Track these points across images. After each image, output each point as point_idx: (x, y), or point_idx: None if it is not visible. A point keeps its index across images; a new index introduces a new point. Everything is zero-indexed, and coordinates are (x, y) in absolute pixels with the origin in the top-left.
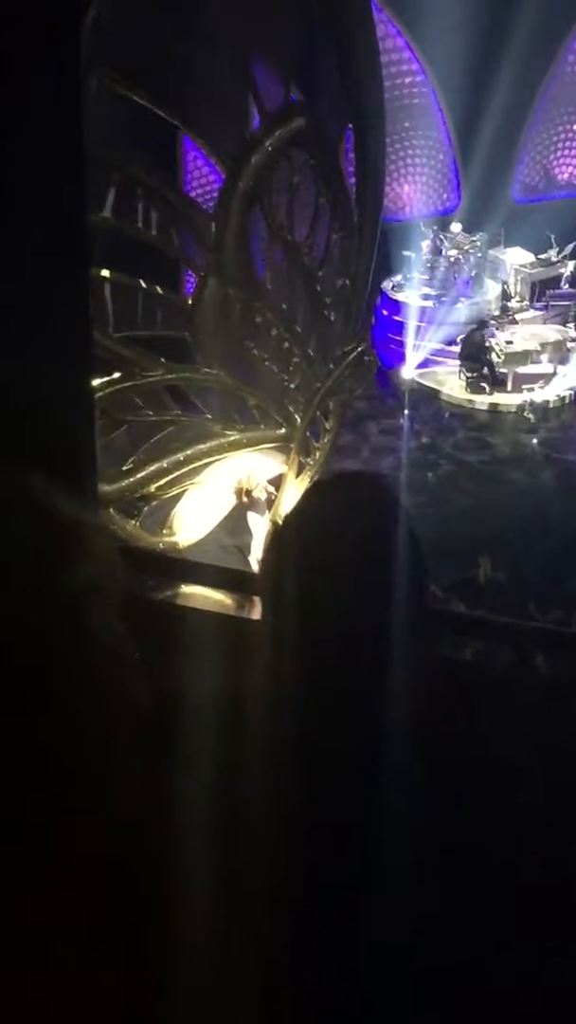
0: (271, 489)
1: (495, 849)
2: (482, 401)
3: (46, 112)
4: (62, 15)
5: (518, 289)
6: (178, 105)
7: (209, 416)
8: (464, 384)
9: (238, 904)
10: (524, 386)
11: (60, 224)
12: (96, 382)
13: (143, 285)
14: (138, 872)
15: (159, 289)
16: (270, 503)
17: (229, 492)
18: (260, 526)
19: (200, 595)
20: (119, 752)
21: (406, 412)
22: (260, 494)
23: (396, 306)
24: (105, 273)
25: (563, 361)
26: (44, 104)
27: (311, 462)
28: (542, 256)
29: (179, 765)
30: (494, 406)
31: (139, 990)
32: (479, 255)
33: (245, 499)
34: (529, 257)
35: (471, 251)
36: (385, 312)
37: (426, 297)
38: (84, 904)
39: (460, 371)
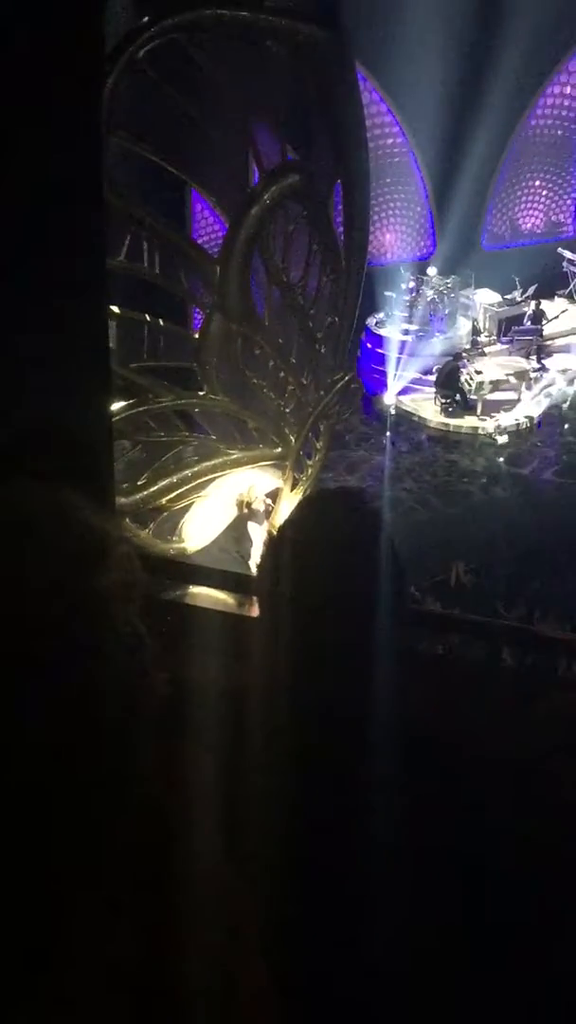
0: (268, 501)
1: (468, 823)
2: (455, 424)
3: (72, 168)
4: (86, 84)
5: (487, 326)
6: (187, 163)
7: (214, 437)
8: (439, 409)
9: (243, 877)
10: (492, 411)
11: (82, 269)
12: (114, 407)
13: (160, 323)
14: (150, 846)
15: (170, 325)
16: (268, 514)
17: (232, 504)
18: (259, 534)
19: (205, 595)
20: (139, 735)
21: (388, 434)
22: (259, 506)
23: (379, 340)
24: (120, 311)
25: (527, 388)
26: (70, 161)
27: (304, 477)
28: (508, 296)
29: (185, 747)
30: (465, 428)
31: (150, 967)
32: (452, 295)
33: (246, 510)
34: (496, 297)
35: (445, 292)
36: (369, 345)
37: (405, 332)
38: (99, 881)
39: (435, 397)
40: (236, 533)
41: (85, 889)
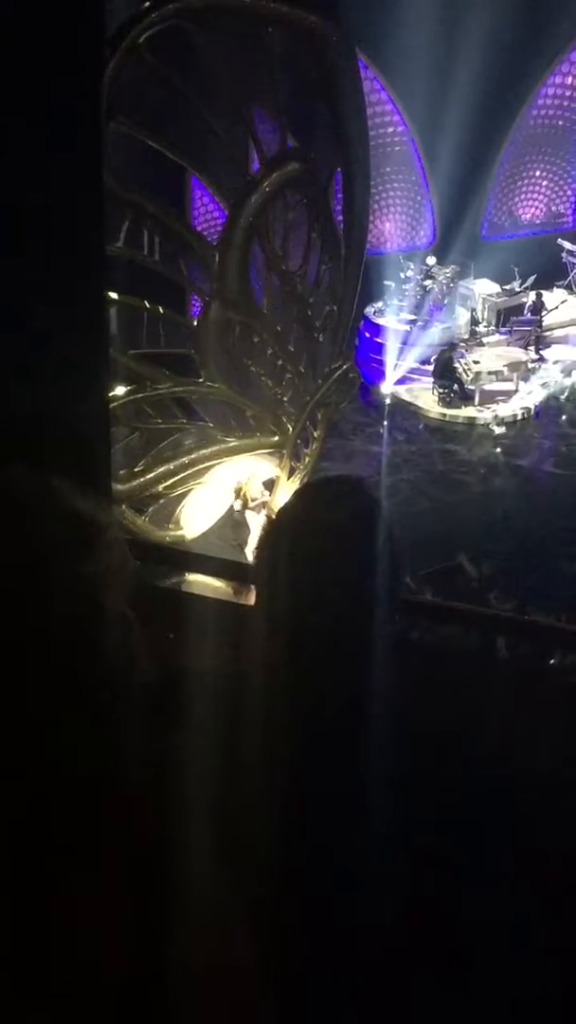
0: (265, 490)
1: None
2: (453, 414)
3: (71, 153)
4: (86, 70)
5: (485, 316)
6: (187, 149)
7: (211, 424)
8: (437, 398)
9: (235, 865)
10: (490, 401)
11: (80, 255)
12: (112, 394)
13: (160, 310)
14: (143, 830)
15: (168, 312)
16: (265, 502)
17: (230, 492)
18: (256, 523)
19: (203, 583)
20: (126, 715)
21: (385, 423)
22: (257, 494)
23: (377, 329)
24: (118, 297)
25: (524, 379)
26: (69, 146)
27: (301, 466)
28: (507, 287)
29: (182, 732)
30: (463, 418)
31: (142, 959)
32: (451, 285)
33: (244, 498)
34: (495, 288)
35: (444, 281)
36: (367, 334)
37: (404, 321)
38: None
39: (433, 387)
40: (234, 521)
41: (75, 875)
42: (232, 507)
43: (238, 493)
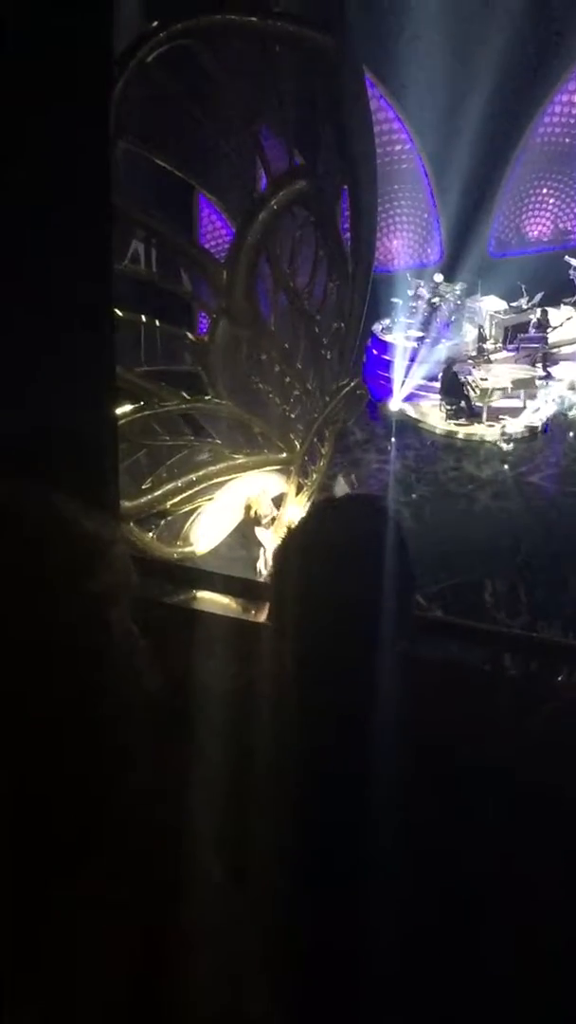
0: (275, 508)
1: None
2: (461, 431)
3: (79, 171)
4: (95, 89)
5: (492, 333)
6: (195, 167)
7: (219, 441)
8: (444, 415)
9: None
10: (498, 418)
11: (88, 273)
12: (120, 411)
13: (168, 327)
14: (151, 836)
15: (173, 328)
16: (275, 518)
17: (237, 509)
18: (267, 539)
19: (212, 600)
20: (131, 725)
21: (393, 440)
22: (267, 511)
23: (384, 346)
24: (121, 314)
25: (531, 396)
26: (78, 164)
27: (309, 483)
28: (514, 304)
29: (193, 746)
30: (470, 435)
31: (150, 956)
32: (458, 302)
33: (254, 515)
34: (502, 305)
35: (451, 299)
36: (375, 351)
37: (411, 339)
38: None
39: (441, 404)
40: (244, 538)
41: (81, 886)
42: (243, 524)
43: (248, 510)
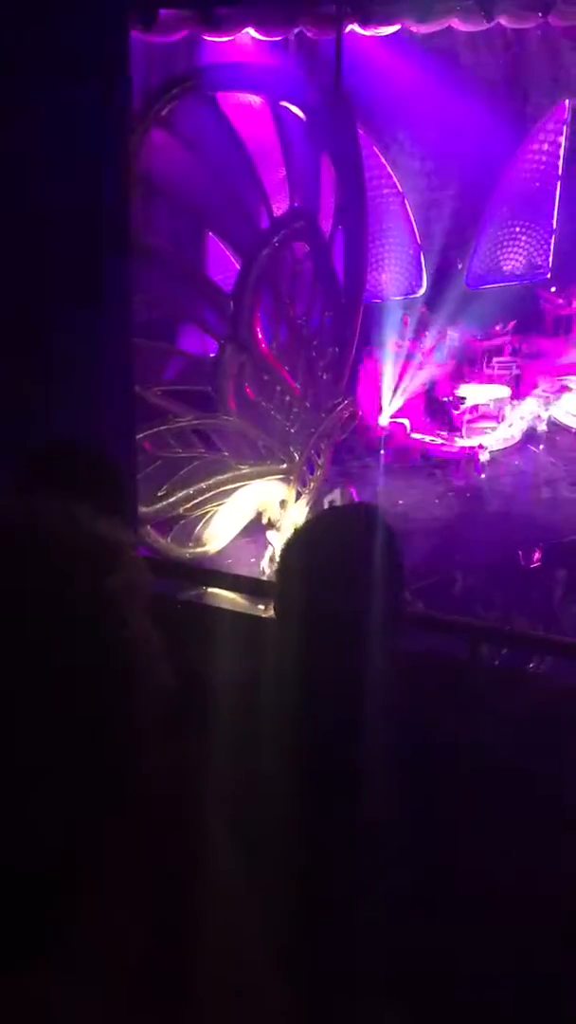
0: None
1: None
2: (442, 445)
3: (101, 216)
4: (114, 138)
5: (469, 356)
6: (205, 210)
7: (227, 453)
8: (426, 432)
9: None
10: (475, 433)
11: (113, 304)
12: (138, 425)
13: (187, 353)
14: (162, 832)
15: (185, 353)
16: (279, 522)
17: (244, 512)
18: (275, 540)
19: (221, 596)
20: (147, 721)
21: (382, 452)
22: (275, 514)
23: (374, 367)
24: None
25: (507, 412)
26: (102, 206)
27: (307, 490)
28: (490, 330)
29: (203, 737)
30: (451, 448)
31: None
32: (439, 329)
33: (268, 521)
34: (479, 332)
35: (433, 326)
36: (365, 372)
37: (398, 361)
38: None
39: (424, 421)
40: (254, 539)
41: (89, 883)
42: (252, 526)
43: (261, 515)
